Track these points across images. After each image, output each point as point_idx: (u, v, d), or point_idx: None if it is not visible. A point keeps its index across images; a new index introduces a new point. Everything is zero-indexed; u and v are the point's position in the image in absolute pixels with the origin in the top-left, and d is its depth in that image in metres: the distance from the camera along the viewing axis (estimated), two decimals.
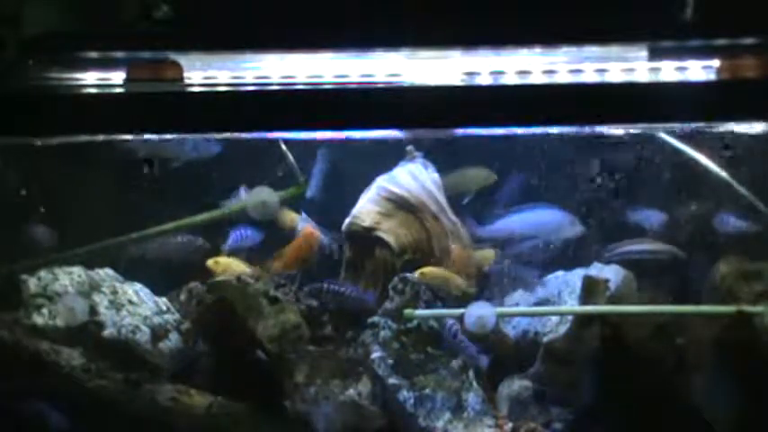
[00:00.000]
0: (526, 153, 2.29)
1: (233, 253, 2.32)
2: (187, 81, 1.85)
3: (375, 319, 2.17)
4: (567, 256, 2.34)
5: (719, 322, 2.05)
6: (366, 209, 2.35)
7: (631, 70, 1.90)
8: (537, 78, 1.88)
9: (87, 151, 2.16)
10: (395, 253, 2.30)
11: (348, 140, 2.25)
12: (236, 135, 2.05)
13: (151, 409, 2.12)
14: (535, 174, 2.33)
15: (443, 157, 2.36)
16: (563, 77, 1.88)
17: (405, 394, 2.08)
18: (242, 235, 2.33)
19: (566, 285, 2.29)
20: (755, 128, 1.93)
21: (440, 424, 2.07)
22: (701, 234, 2.30)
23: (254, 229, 2.34)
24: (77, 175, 2.34)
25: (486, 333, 2.12)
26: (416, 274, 2.22)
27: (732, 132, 2.03)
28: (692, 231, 2.32)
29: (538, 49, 1.85)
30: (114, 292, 2.26)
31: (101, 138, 1.88)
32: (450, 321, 2.13)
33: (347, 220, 2.34)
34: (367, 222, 2.33)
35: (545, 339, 2.15)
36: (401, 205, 2.35)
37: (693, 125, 1.99)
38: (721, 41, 1.79)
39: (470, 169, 2.37)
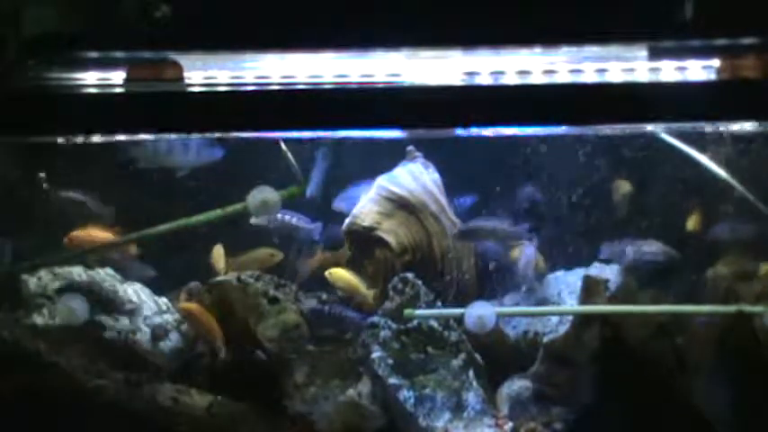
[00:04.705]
0: None
1: None
2: (187, 81, 1.85)
3: (375, 319, 2.17)
4: None
5: (719, 322, 2.05)
6: (366, 208, 2.35)
7: (631, 70, 1.89)
8: (537, 78, 1.87)
9: None
10: (395, 253, 2.30)
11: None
12: (237, 135, 2.05)
13: (151, 409, 2.12)
14: None
15: None
16: (563, 77, 1.87)
17: (405, 394, 2.08)
18: None
19: (566, 285, 2.29)
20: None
21: (440, 424, 2.07)
22: None
23: None
24: None
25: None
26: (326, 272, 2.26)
27: None
28: None
29: (538, 49, 1.85)
30: (115, 292, 2.26)
31: None
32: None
33: (347, 220, 2.34)
34: (367, 222, 2.32)
35: (545, 339, 2.15)
36: (401, 205, 2.35)
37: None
38: (721, 41, 1.79)
39: None
